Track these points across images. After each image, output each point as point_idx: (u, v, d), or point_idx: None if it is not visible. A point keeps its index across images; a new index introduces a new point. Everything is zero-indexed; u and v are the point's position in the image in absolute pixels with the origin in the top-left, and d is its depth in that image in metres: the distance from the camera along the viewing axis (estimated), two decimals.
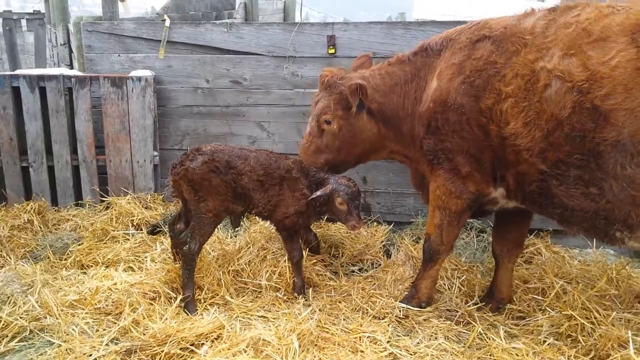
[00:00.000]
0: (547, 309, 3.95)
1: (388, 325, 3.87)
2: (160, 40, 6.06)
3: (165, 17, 6.17)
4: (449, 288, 4.42)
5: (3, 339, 3.61)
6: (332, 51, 5.73)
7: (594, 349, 3.48)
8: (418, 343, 3.68)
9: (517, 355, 3.47)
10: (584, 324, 3.67)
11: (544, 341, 3.62)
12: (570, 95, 3.00)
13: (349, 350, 3.54)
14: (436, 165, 3.81)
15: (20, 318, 3.80)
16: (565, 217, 3.39)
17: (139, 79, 5.87)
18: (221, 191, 4.13)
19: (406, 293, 4.25)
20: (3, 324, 3.69)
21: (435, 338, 3.75)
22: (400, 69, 4.08)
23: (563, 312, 3.80)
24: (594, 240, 4.60)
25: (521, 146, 3.29)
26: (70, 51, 7.96)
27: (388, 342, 3.65)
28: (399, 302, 4.14)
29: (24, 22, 16.93)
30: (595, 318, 3.72)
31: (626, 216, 3.10)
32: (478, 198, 3.80)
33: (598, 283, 4.19)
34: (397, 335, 3.78)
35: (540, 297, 4.17)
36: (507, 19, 3.60)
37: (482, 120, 3.47)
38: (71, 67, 7.44)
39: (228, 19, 10.45)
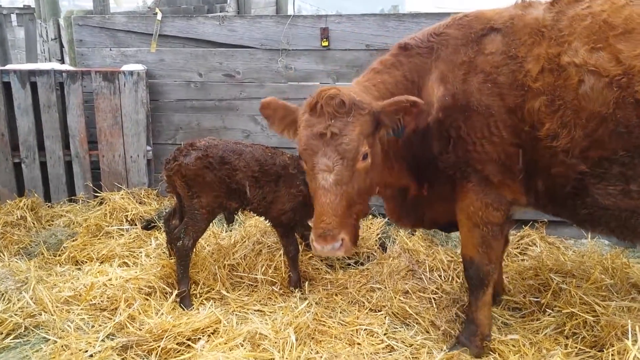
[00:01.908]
0: (547, 309, 3.94)
1: (385, 317, 3.87)
2: (152, 34, 6.02)
3: (157, 10, 6.13)
4: (445, 280, 4.42)
5: None
6: (326, 44, 5.72)
7: (598, 341, 3.49)
8: (415, 334, 3.69)
9: (513, 346, 3.48)
10: (586, 319, 3.66)
11: (540, 331, 3.64)
12: (610, 90, 2.86)
13: (346, 343, 3.55)
14: (462, 180, 3.38)
15: (15, 315, 3.77)
16: (595, 217, 3.21)
17: (131, 73, 5.83)
18: (215, 187, 4.09)
19: (460, 332, 3.68)
20: None
21: (432, 330, 3.76)
22: (390, 75, 3.51)
23: (564, 311, 3.79)
24: (614, 238, 4.16)
25: (558, 148, 3.04)
26: (62, 46, 7.91)
27: (385, 334, 3.65)
28: (459, 344, 3.54)
29: (14, 17, 16.76)
30: (594, 311, 3.73)
31: None
32: (513, 207, 3.48)
33: (593, 274, 4.21)
34: (394, 327, 3.78)
35: (537, 294, 4.16)
36: (506, 10, 3.38)
37: (512, 121, 3.16)
38: (62, 61, 7.40)
39: (220, 12, 10.39)
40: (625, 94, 2.83)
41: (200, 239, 4.36)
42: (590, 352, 3.43)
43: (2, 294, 4.02)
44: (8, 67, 6.20)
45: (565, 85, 2.97)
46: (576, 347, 3.46)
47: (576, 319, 3.68)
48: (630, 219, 3.11)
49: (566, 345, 3.46)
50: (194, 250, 4.47)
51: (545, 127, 3.04)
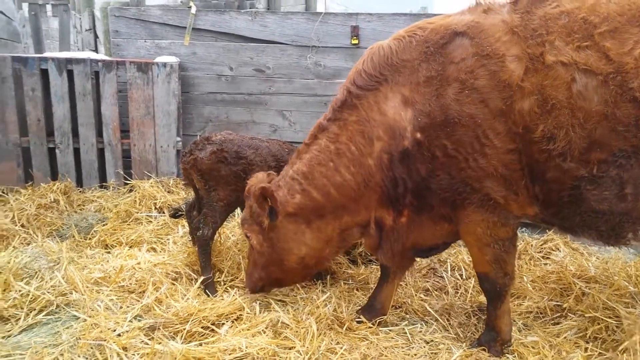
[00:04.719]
0: (569, 313, 3.93)
1: (405, 313, 3.93)
2: (185, 27, 6.15)
3: (192, 3, 6.25)
4: (466, 279, 4.46)
5: (31, 312, 3.71)
6: (356, 42, 5.79)
7: (620, 345, 3.44)
8: (433, 331, 3.73)
9: (533, 347, 3.51)
10: (608, 323, 3.66)
11: (561, 334, 3.65)
12: (607, 88, 2.82)
13: (364, 337, 3.61)
14: (461, 202, 3.23)
15: (47, 292, 3.88)
16: (587, 223, 3.14)
17: (165, 64, 5.97)
18: (230, 181, 4.13)
19: (481, 335, 3.61)
20: (31, 297, 3.79)
21: (450, 328, 3.80)
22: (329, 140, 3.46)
23: (586, 315, 3.79)
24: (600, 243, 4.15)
25: (555, 151, 2.95)
26: (96, 36, 8.09)
27: (403, 330, 3.71)
28: (479, 345, 3.52)
29: (49, 7, 17.13)
30: (617, 316, 3.71)
31: None
32: (521, 219, 3.35)
33: (617, 280, 4.20)
34: (413, 324, 3.83)
35: (559, 298, 4.16)
36: (462, 15, 3.25)
37: (502, 126, 3.02)
38: (96, 52, 7.56)
39: (250, 8, 10.51)
40: (622, 92, 2.81)
41: (225, 229, 4.45)
42: (611, 355, 3.42)
43: (36, 272, 4.15)
44: (46, 54, 6.38)
45: (555, 84, 2.90)
46: (597, 351, 3.46)
47: (598, 324, 3.68)
48: (623, 222, 3.07)
49: (586, 348, 3.47)
50: (220, 239, 4.58)
51: (540, 129, 2.95)
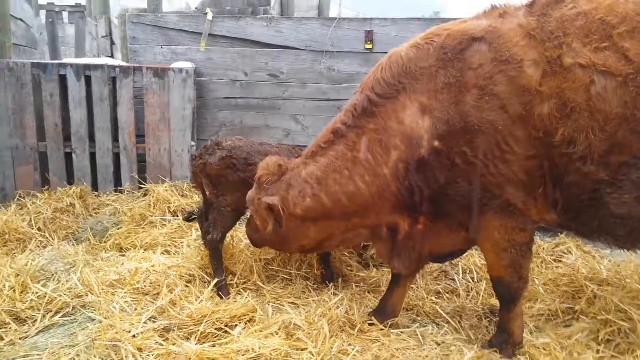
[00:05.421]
0: (581, 315, 3.92)
1: (416, 315, 3.94)
2: (201, 33, 6.23)
3: (208, 10, 6.34)
4: (477, 281, 4.46)
5: (47, 313, 3.78)
6: (369, 46, 5.83)
7: (634, 348, 3.46)
8: (444, 333, 3.74)
9: (544, 349, 3.50)
10: (621, 326, 3.64)
11: (572, 336, 3.65)
12: (626, 89, 2.78)
13: (376, 338, 3.63)
14: (480, 208, 3.22)
15: (64, 294, 3.95)
16: (604, 227, 3.11)
17: (180, 70, 6.05)
18: (239, 187, 4.13)
19: (492, 337, 3.63)
20: (48, 299, 3.86)
21: (462, 330, 3.81)
22: (344, 148, 3.45)
23: (598, 318, 3.77)
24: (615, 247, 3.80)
25: (575, 155, 2.92)
26: (112, 42, 8.21)
27: (414, 332, 3.72)
28: (490, 347, 3.51)
29: (65, 14, 17.39)
30: (630, 319, 3.69)
31: None
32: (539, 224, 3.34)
33: (630, 283, 4.18)
34: (424, 326, 3.85)
35: (571, 301, 4.14)
36: (478, 19, 3.25)
37: (522, 132, 3.00)
38: (112, 58, 7.67)
39: (264, 14, 10.60)
40: None
41: (237, 232, 4.49)
42: (623, 357, 3.42)
43: (52, 274, 4.23)
44: (64, 60, 6.49)
45: (574, 87, 2.86)
46: (609, 353, 3.45)
47: (611, 326, 3.66)
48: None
49: (597, 350, 3.46)
50: (232, 242, 4.63)
51: (560, 133, 2.92)
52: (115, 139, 6.24)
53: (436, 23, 5.73)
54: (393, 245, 3.60)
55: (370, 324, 3.77)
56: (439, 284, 4.39)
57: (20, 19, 7.65)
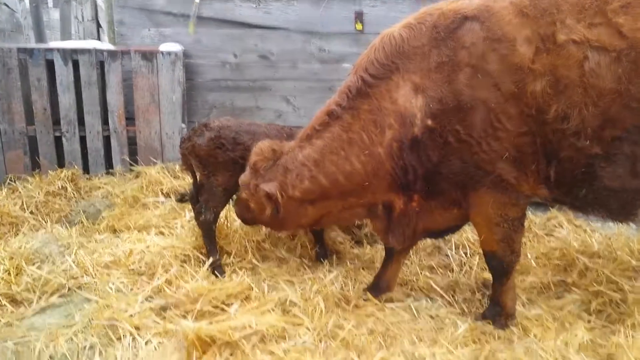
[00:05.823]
0: (573, 287, 3.97)
1: (410, 290, 3.99)
2: (189, 15, 6.18)
3: None
4: (471, 256, 4.51)
5: (43, 295, 3.78)
6: (360, 27, 5.81)
7: (624, 318, 3.52)
8: (438, 307, 3.79)
9: (536, 320, 3.56)
10: (612, 297, 3.70)
11: (564, 307, 3.71)
12: (620, 64, 2.81)
13: (371, 313, 3.67)
14: (473, 184, 3.26)
15: (59, 276, 3.95)
16: (598, 201, 3.16)
17: (169, 53, 6.01)
18: (229, 167, 4.16)
19: (485, 310, 3.70)
20: (43, 281, 3.86)
21: (455, 304, 3.86)
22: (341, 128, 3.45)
23: (590, 289, 3.84)
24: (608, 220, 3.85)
25: (568, 131, 2.95)
26: (99, 26, 8.11)
27: (409, 306, 3.77)
28: (484, 319, 3.59)
29: None
30: (621, 290, 3.76)
31: None
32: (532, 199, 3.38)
33: (620, 255, 4.25)
34: (418, 300, 3.89)
35: (562, 274, 4.20)
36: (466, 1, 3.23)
37: (515, 109, 3.02)
38: (99, 41, 7.58)
39: None
40: (635, 67, 2.79)
41: (231, 212, 4.50)
42: (614, 327, 3.47)
43: (47, 257, 4.23)
44: (51, 45, 6.42)
45: (567, 64, 2.89)
46: (600, 324, 3.53)
47: (602, 297, 3.73)
48: (634, 199, 3.10)
49: (589, 320, 3.53)
50: (226, 223, 4.64)
51: (553, 110, 2.95)
52: (105, 122, 6.20)
53: (427, 3, 5.78)
54: (389, 223, 3.64)
55: (365, 300, 3.81)
56: (432, 260, 4.45)
57: (5, 4, 7.56)
